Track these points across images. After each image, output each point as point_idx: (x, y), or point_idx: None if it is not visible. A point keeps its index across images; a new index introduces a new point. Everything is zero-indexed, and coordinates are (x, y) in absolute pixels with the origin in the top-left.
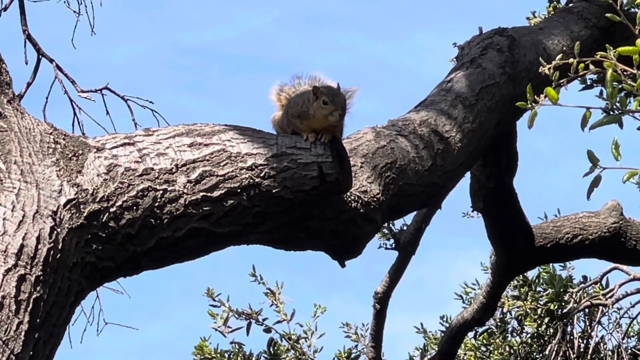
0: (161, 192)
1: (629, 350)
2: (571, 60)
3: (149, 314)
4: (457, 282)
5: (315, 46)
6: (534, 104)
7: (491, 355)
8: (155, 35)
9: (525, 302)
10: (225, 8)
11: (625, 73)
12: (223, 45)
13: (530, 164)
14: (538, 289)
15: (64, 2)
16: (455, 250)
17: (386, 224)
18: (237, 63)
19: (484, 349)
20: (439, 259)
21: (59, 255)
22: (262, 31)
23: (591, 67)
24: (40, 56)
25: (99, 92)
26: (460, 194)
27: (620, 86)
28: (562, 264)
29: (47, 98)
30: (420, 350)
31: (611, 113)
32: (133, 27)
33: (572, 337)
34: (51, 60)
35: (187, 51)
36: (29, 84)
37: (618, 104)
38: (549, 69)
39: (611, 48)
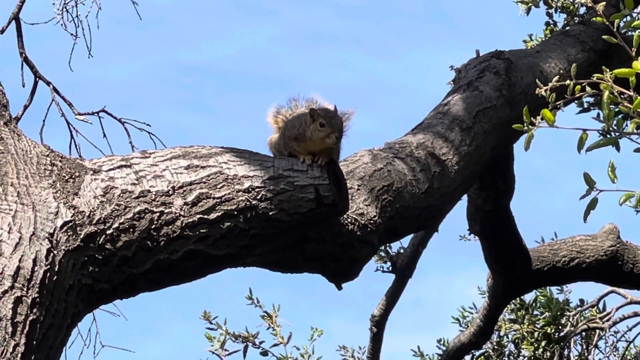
0: (158, 214)
1: None
2: (568, 82)
3: (145, 333)
4: (455, 301)
5: (314, 64)
6: (530, 127)
7: None
8: (153, 53)
9: (522, 325)
10: (223, 26)
11: (622, 95)
12: (221, 63)
13: (528, 183)
14: (535, 312)
15: (61, 24)
16: (454, 269)
17: (383, 247)
18: (235, 81)
19: None
20: (437, 279)
21: (55, 277)
22: (261, 49)
23: (588, 89)
24: (37, 79)
25: (96, 114)
26: (457, 216)
27: (617, 109)
28: (559, 287)
29: (44, 121)
30: None
31: (608, 135)
32: (131, 45)
33: None
34: (48, 83)
35: (185, 69)
36: (25, 107)
37: (615, 127)
38: (545, 90)
39: (608, 70)
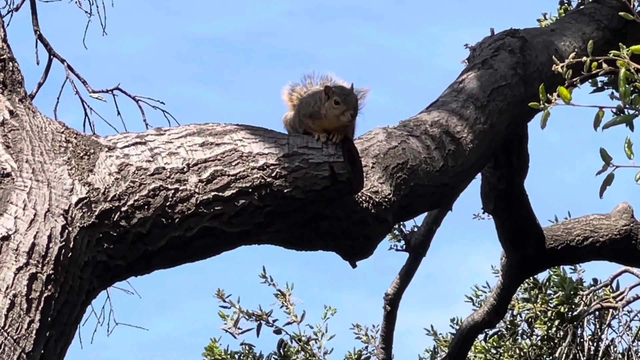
0: (172, 191)
1: (639, 353)
2: (584, 58)
3: (158, 308)
4: (468, 277)
5: (327, 38)
6: (546, 104)
7: (501, 357)
8: (166, 27)
9: (535, 304)
10: None
11: (638, 72)
12: (234, 36)
13: (544, 159)
14: (548, 291)
15: (75, 2)
16: (467, 245)
17: (397, 225)
18: (248, 54)
19: (494, 351)
20: (450, 254)
21: (70, 254)
22: (274, 22)
23: (604, 66)
24: (52, 56)
25: (110, 92)
26: (471, 195)
27: (632, 86)
28: (573, 267)
29: (58, 98)
30: (430, 352)
31: (624, 113)
32: (144, 19)
33: (582, 340)
34: (62, 61)
35: (199, 42)
36: (40, 84)
37: (630, 104)
38: (561, 67)
39: (624, 47)
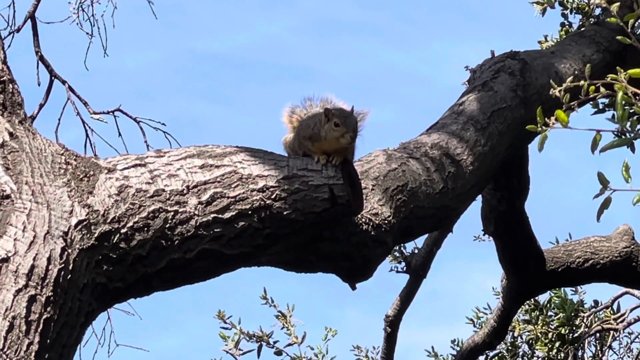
0: (172, 213)
1: None
2: (582, 82)
3: (159, 326)
4: (471, 294)
5: (331, 54)
6: (544, 127)
7: None
8: (169, 42)
9: (536, 326)
10: (240, 15)
11: (636, 96)
12: (238, 51)
13: (546, 175)
14: (549, 313)
15: (77, 24)
16: (471, 261)
17: (397, 247)
18: (252, 70)
19: None
20: (453, 271)
21: (69, 276)
22: (278, 38)
23: (602, 89)
24: (53, 77)
25: (111, 113)
26: (474, 215)
27: (631, 109)
28: (574, 288)
29: (59, 119)
30: None
31: (623, 136)
32: (147, 34)
33: None
34: (63, 82)
35: (202, 58)
36: (41, 105)
37: (629, 127)
38: (559, 91)
39: (622, 70)
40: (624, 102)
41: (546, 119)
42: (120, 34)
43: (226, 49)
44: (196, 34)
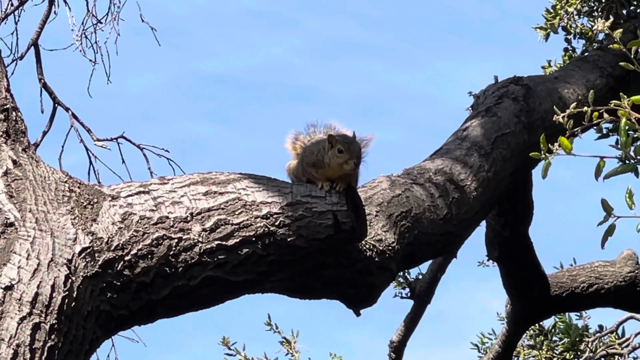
0: (176, 240)
1: None
2: (585, 108)
3: (163, 347)
4: (478, 315)
5: (335, 74)
6: (547, 154)
7: None
8: (173, 64)
9: (540, 351)
10: (244, 36)
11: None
12: (242, 73)
13: (553, 194)
14: (554, 338)
15: (80, 51)
16: (477, 282)
17: (401, 273)
18: (256, 92)
19: None
20: (459, 292)
21: (73, 303)
22: (282, 59)
23: (605, 115)
24: (56, 104)
25: (115, 140)
26: (477, 242)
27: (635, 134)
28: (578, 313)
29: (62, 147)
30: None
31: (626, 162)
32: (150, 56)
33: None
34: (67, 109)
35: (206, 80)
36: (45, 133)
37: (632, 153)
38: (562, 117)
39: (625, 97)
40: (627, 128)
41: (550, 145)
42: (124, 57)
43: (230, 71)
44: (200, 56)
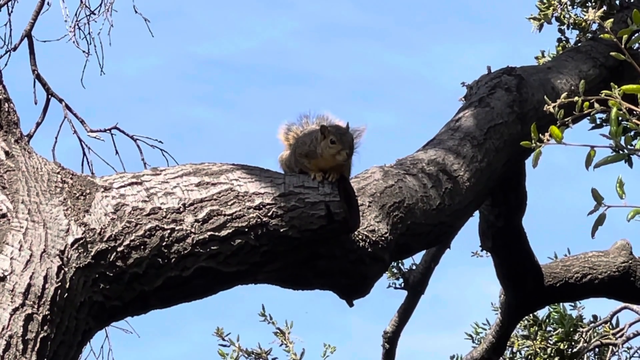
0: (169, 231)
1: None
2: (576, 98)
3: (159, 332)
4: (474, 299)
5: (333, 57)
6: (538, 144)
7: None
8: (170, 48)
9: (534, 341)
10: (241, 19)
11: (631, 112)
12: (239, 56)
13: (550, 178)
14: (548, 328)
15: (73, 42)
16: (474, 266)
17: (395, 263)
18: (253, 75)
19: None
20: (456, 276)
21: (66, 294)
22: (279, 42)
23: (596, 105)
24: (50, 96)
25: (108, 131)
26: (471, 232)
27: (627, 125)
28: (572, 304)
29: (56, 138)
30: None
31: (618, 151)
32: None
33: None
34: (60, 100)
35: (203, 63)
36: (38, 124)
37: (623, 143)
38: (553, 107)
39: (616, 86)
40: (618, 118)
41: (541, 135)
42: (119, 41)
43: (227, 54)
44: (197, 39)
